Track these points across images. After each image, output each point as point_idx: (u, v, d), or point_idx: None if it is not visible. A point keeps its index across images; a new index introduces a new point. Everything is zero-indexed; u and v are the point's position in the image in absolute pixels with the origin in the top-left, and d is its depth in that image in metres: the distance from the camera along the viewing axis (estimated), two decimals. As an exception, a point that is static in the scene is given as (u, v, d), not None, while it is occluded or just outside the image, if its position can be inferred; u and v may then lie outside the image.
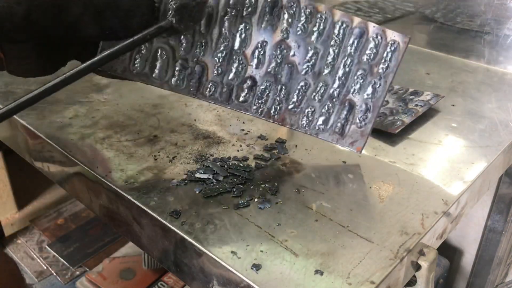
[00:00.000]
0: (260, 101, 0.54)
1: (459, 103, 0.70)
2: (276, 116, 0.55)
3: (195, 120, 0.63)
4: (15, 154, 0.70)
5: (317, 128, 0.55)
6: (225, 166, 0.53)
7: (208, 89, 0.54)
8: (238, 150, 0.56)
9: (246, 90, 0.54)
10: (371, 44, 0.52)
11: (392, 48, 0.52)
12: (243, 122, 0.63)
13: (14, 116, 0.63)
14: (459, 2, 1.02)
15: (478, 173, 0.54)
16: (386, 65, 0.52)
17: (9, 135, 0.68)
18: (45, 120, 0.62)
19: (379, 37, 0.52)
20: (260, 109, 0.55)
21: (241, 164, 0.53)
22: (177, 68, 0.53)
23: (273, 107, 0.55)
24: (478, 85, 0.77)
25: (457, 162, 0.56)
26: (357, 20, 0.52)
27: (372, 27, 0.52)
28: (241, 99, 0.54)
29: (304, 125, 0.55)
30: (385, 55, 0.52)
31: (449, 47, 0.94)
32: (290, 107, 0.55)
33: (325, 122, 0.55)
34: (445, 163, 0.55)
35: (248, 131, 0.61)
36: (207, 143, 0.58)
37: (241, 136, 0.59)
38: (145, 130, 0.60)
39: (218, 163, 0.53)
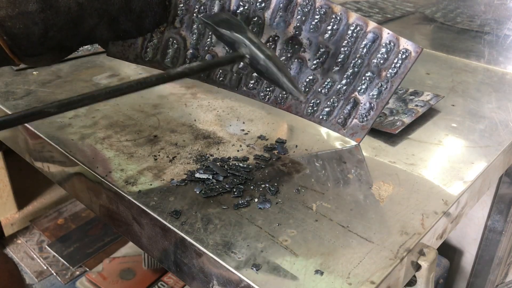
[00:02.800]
0: (268, 89, 0.56)
1: (459, 103, 0.70)
2: (282, 103, 0.56)
3: (195, 120, 0.63)
4: (15, 154, 0.70)
5: (320, 117, 0.57)
6: (225, 166, 0.53)
7: (218, 75, 0.56)
8: (238, 150, 0.56)
9: (254, 78, 0.55)
10: (383, 50, 0.52)
11: (403, 56, 0.52)
12: (243, 122, 0.63)
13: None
14: (459, 2, 1.02)
15: (478, 173, 0.54)
16: (395, 71, 0.53)
17: (9, 135, 0.68)
18: (45, 120, 0.62)
19: (391, 44, 0.52)
20: (268, 96, 0.56)
21: (241, 164, 0.53)
22: (188, 56, 0.54)
23: (279, 95, 0.56)
24: (478, 85, 0.77)
25: (457, 162, 0.56)
26: (372, 25, 0.52)
27: (386, 34, 0.52)
28: (249, 86, 0.55)
29: (309, 113, 0.57)
30: (395, 61, 0.52)
31: (449, 47, 0.94)
32: None
33: (329, 113, 0.56)
34: (445, 163, 0.55)
35: (248, 131, 0.61)
36: (207, 143, 0.58)
37: (241, 136, 0.59)
38: (145, 130, 0.60)
39: (218, 163, 0.53)
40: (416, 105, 0.66)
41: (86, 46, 0.85)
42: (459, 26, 1.01)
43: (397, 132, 0.59)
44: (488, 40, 0.92)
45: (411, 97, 0.68)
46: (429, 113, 0.66)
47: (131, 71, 0.78)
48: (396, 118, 0.62)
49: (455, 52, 0.91)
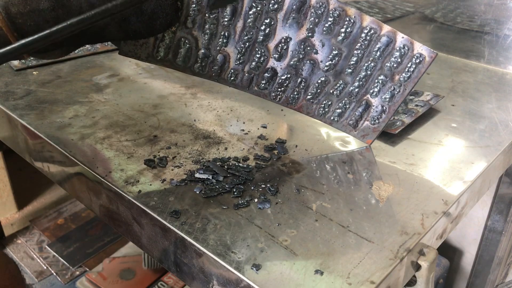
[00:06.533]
0: (279, 90, 0.56)
1: (459, 103, 0.70)
2: (293, 103, 0.56)
3: (195, 120, 0.63)
4: (15, 154, 0.70)
5: (332, 118, 0.57)
6: (225, 166, 0.53)
7: (229, 75, 0.56)
8: (238, 150, 0.56)
9: (266, 79, 0.55)
10: (397, 54, 0.52)
11: (417, 61, 0.52)
12: (243, 122, 0.63)
13: (14, 116, 0.63)
14: (459, 2, 1.02)
15: (478, 173, 0.54)
16: (408, 75, 0.53)
17: (9, 135, 0.68)
18: (45, 120, 0.62)
19: (405, 48, 0.52)
20: (279, 97, 0.56)
21: (241, 164, 0.53)
22: (200, 56, 0.55)
23: (291, 96, 0.56)
24: (478, 85, 0.77)
25: (457, 162, 0.56)
26: (386, 29, 0.52)
27: (401, 38, 0.52)
28: (261, 86, 0.56)
29: (320, 114, 0.57)
30: (409, 65, 0.52)
31: (449, 47, 0.94)
32: (308, 97, 0.56)
33: (340, 115, 0.56)
34: (445, 163, 0.55)
35: (248, 131, 0.61)
36: (207, 143, 0.58)
37: (241, 136, 0.59)
38: (145, 130, 0.60)
39: (218, 163, 0.53)
40: (416, 105, 0.66)
41: (86, 46, 0.85)
42: (459, 26, 1.01)
43: (397, 132, 0.59)
44: (488, 40, 0.92)
45: (411, 97, 0.68)
46: (429, 113, 0.66)
47: (131, 71, 0.78)
48: (396, 118, 0.62)
49: (455, 52, 0.91)
